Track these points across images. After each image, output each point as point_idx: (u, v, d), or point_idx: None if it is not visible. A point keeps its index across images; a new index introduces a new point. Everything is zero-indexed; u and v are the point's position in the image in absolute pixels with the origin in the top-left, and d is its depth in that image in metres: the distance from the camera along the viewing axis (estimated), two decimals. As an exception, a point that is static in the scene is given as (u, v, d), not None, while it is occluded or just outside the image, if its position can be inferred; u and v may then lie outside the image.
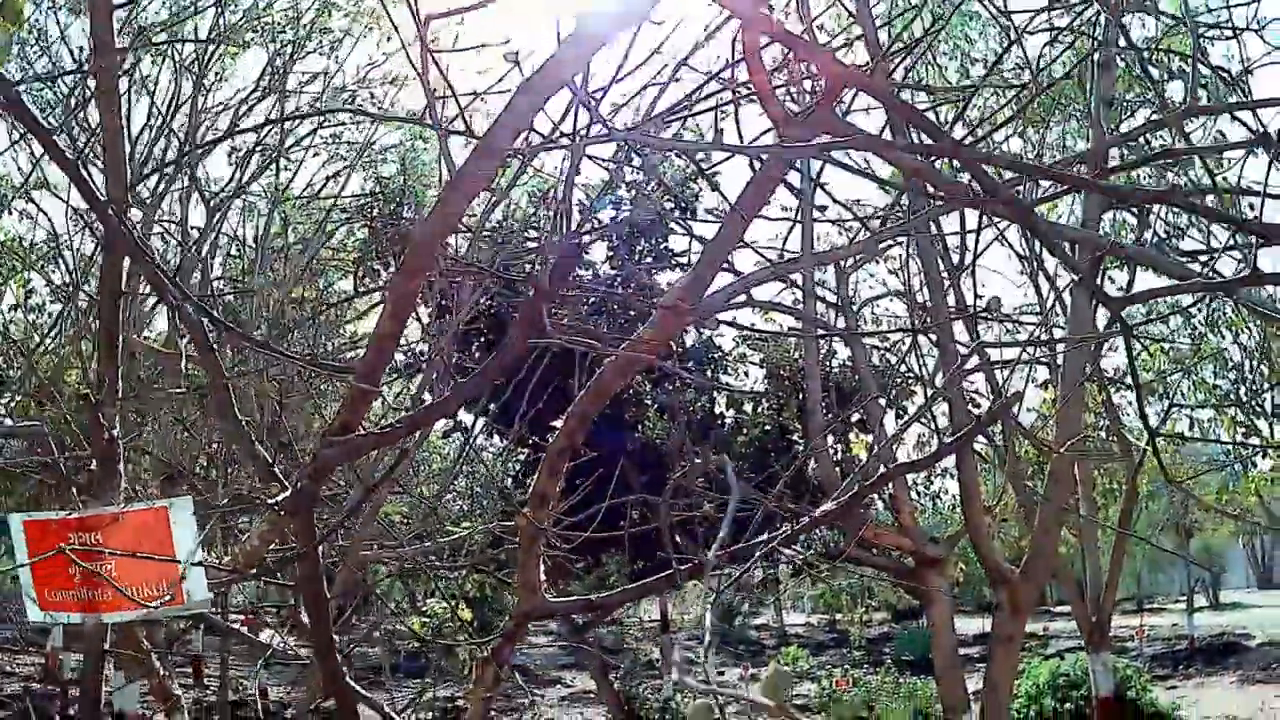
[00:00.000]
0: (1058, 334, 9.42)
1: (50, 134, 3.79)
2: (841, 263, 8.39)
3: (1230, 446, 12.33)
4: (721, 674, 23.45)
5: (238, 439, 3.66)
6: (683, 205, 15.75)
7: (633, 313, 16.14)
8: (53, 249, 11.38)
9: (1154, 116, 7.98)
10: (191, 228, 11.74)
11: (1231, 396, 12.57)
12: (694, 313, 3.43)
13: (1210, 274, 4.80)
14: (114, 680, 11.04)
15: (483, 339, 17.36)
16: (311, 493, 3.13)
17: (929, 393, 9.30)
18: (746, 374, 17.36)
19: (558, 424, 3.65)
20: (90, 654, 4.25)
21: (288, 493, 3.15)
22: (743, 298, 3.61)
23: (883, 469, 4.43)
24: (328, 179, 14.22)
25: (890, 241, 8.65)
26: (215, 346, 3.64)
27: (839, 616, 35.00)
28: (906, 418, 9.79)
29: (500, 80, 2.73)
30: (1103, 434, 12.16)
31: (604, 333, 7.41)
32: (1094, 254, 6.90)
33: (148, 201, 10.30)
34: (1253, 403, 12.77)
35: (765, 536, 3.65)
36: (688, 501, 4.68)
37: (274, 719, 16.71)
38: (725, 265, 4.15)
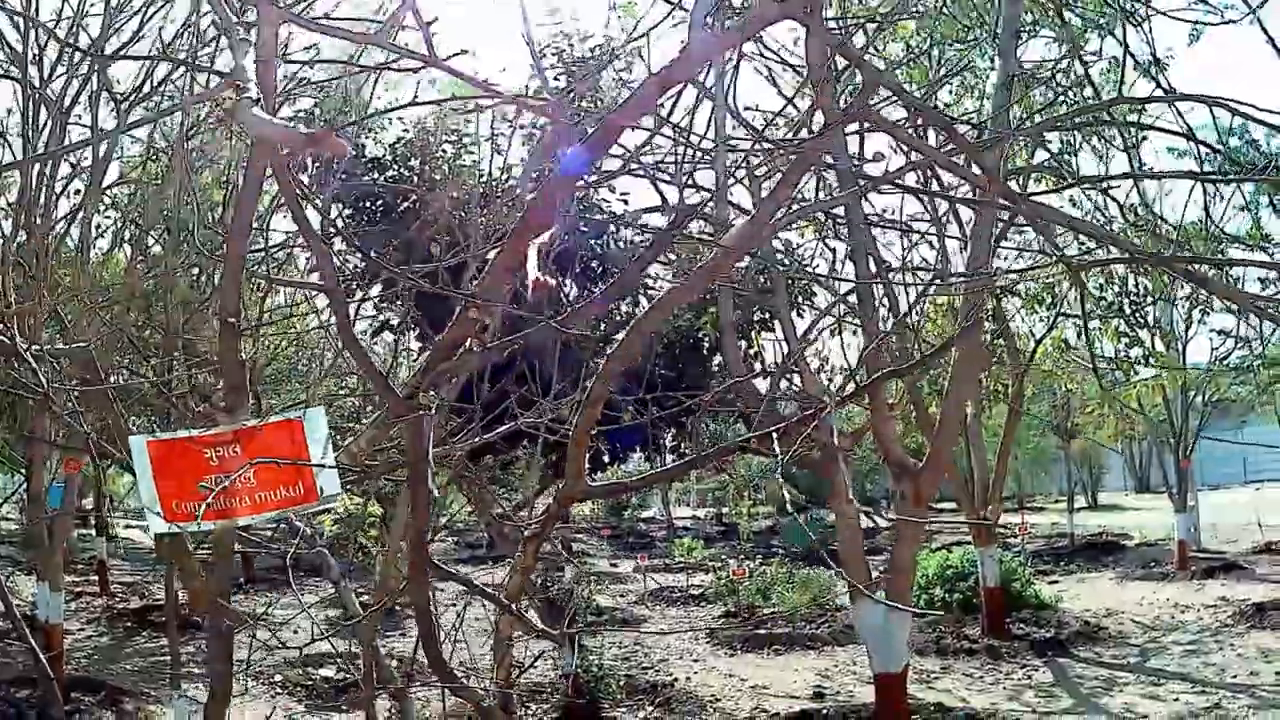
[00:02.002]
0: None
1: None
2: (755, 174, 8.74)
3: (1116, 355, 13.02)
4: (615, 564, 24.19)
5: (358, 356, 3.86)
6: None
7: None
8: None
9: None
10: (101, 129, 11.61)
11: (1114, 308, 13.26)
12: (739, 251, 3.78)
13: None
14: (39, 592, 11.22)
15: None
16: (423, 400, 3.37)
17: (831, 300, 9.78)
18: (657, 277, 17.75)
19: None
20: (220, 559, 4.37)
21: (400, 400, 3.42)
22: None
23: (839, 393, 4.77)
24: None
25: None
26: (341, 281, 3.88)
27: (725, 510, 36.10)
28: (812, 320, 10.22)
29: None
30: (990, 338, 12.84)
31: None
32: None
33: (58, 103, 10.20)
34: (1135, 314, 13.53)
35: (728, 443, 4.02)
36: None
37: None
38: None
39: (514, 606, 4.27)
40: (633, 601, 18.18)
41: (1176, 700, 9.75)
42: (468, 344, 3.38)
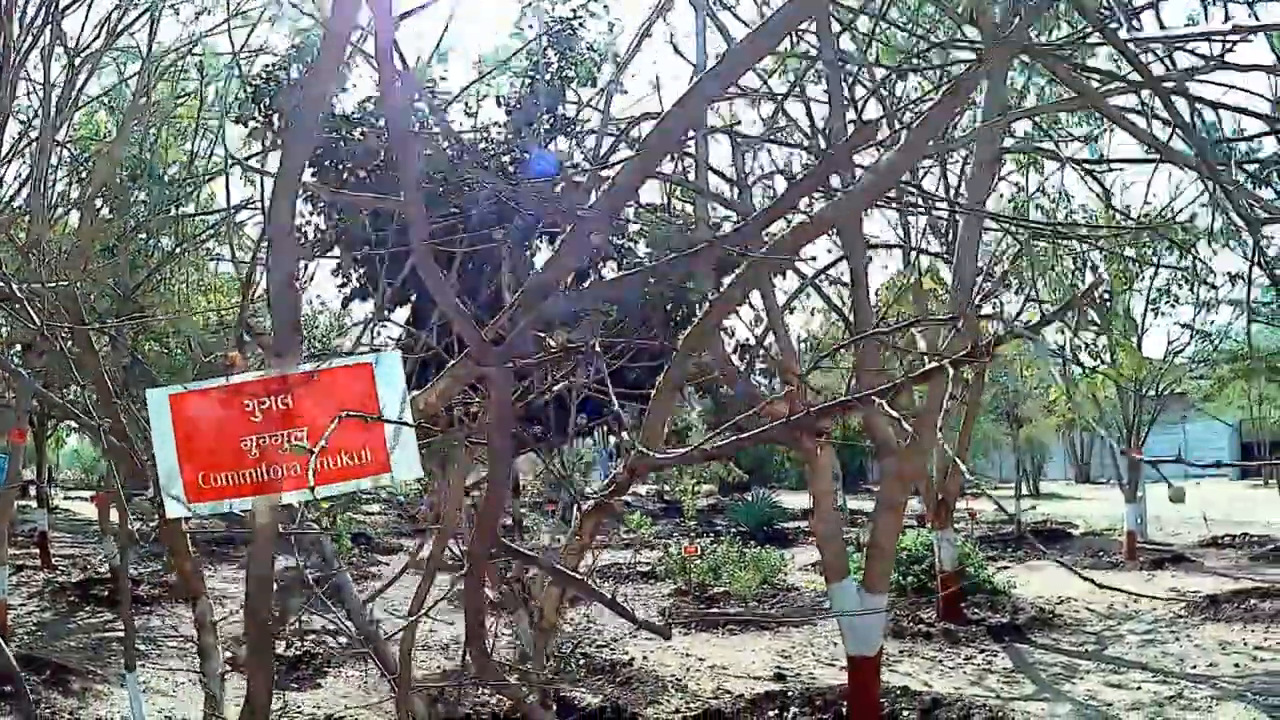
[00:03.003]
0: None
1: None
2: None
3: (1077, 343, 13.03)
4: (559, 540, 23.92)
5: (435, 283, 3.12)
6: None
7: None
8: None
9: None
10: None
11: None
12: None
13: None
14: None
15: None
16: (512, 348, 3.04)
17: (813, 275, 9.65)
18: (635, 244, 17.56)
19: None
20: (260, 547, 3.49)
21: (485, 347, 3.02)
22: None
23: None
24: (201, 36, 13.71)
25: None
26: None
27: (667, 487, 36.06)
28: (795, 289, 10.05)
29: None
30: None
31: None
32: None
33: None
34: (1104, 305, 13.55)
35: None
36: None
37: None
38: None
39: (611, 599, 3.81)
40: (581, 577, 17.98)
41: (1139, 689, 9.76)
42: (563, 285, 3.11)
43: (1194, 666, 10.46)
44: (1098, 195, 10.50)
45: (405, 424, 3.09)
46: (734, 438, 3.80)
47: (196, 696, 8.84)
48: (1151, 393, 18.57)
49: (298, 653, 10.95)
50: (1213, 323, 15.61)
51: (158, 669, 10.57)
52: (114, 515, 12.73)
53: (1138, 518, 18.82)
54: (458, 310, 3.01)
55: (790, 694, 9.74)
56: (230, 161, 7.75)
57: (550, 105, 15.21)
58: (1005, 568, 17.54)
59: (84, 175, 10.36)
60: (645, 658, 11.73)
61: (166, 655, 11.18)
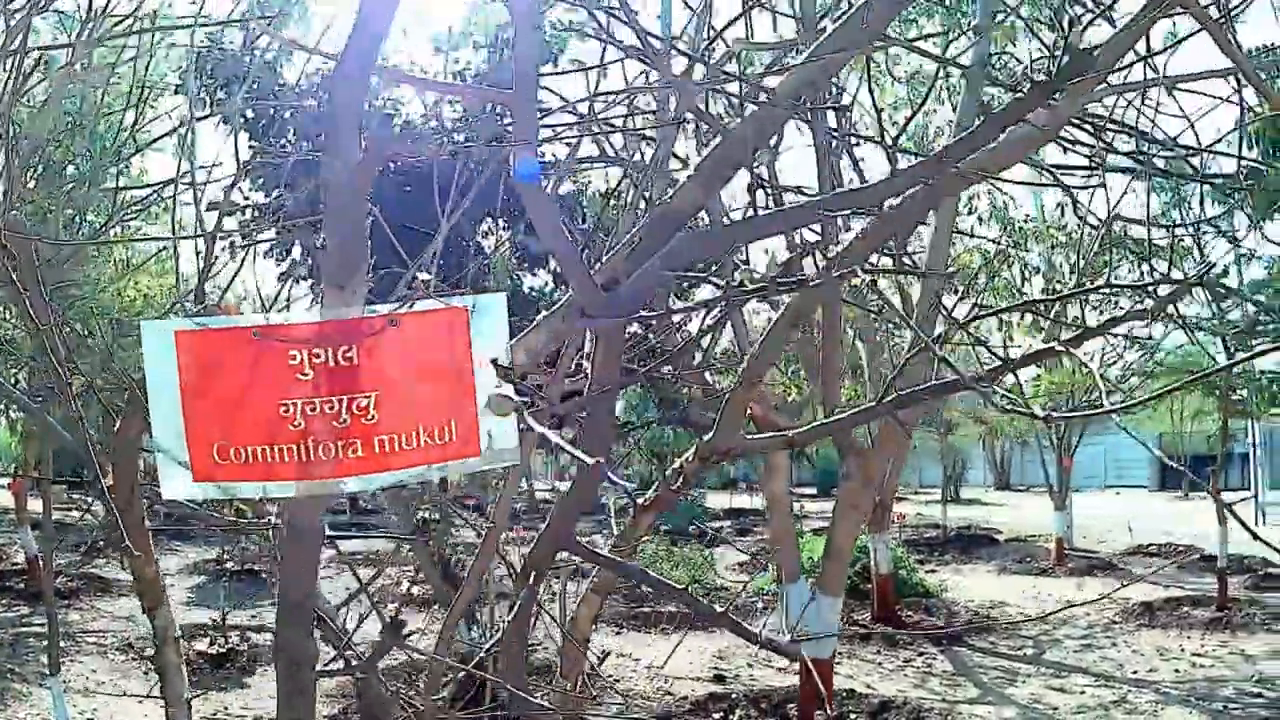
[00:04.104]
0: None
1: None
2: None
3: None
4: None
5: (547, 222, 2.59)
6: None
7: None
8: None
9: None
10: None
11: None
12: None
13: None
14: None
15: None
16: (632, 297, 2.53)
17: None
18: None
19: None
20: (302, 548, 2.72)
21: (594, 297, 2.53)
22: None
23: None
24: None
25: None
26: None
27: (592, 484, 35.57)
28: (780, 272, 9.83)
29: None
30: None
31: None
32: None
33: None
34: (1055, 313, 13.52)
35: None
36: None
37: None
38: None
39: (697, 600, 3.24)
40: (507, 575, 17.69)
41: (1083, 693, 9.73)
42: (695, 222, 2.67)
43: (1134, 671, 10.46)
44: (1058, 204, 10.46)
45: (511, 400, 2.38)
46: (821, 422, 3.53)
47: (120, 699, 8.49)
48: (1084, 401, 18.67)
49: (220, 650, 10.55)
50: (1150, 338, 15.69)
51: (79, 667, 10.09)
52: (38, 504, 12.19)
53: (1066, 525, 18.93)
54: (564, 241, 2.48)
55: (735, 696, 9.57)
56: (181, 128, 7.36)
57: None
58: (932, 571, 17.56)
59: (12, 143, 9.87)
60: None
61: (86, 652, 10.69)
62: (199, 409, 2.30)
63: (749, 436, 3.63)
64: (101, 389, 3.81)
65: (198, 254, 3.58)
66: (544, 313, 2.81)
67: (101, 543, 14.44)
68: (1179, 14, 3.51)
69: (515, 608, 3.12)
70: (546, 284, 21.10)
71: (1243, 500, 22.53)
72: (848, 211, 2.83)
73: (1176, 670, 10.44)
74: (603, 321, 2.58)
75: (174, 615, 3.36)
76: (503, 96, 2.56)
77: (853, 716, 8.99)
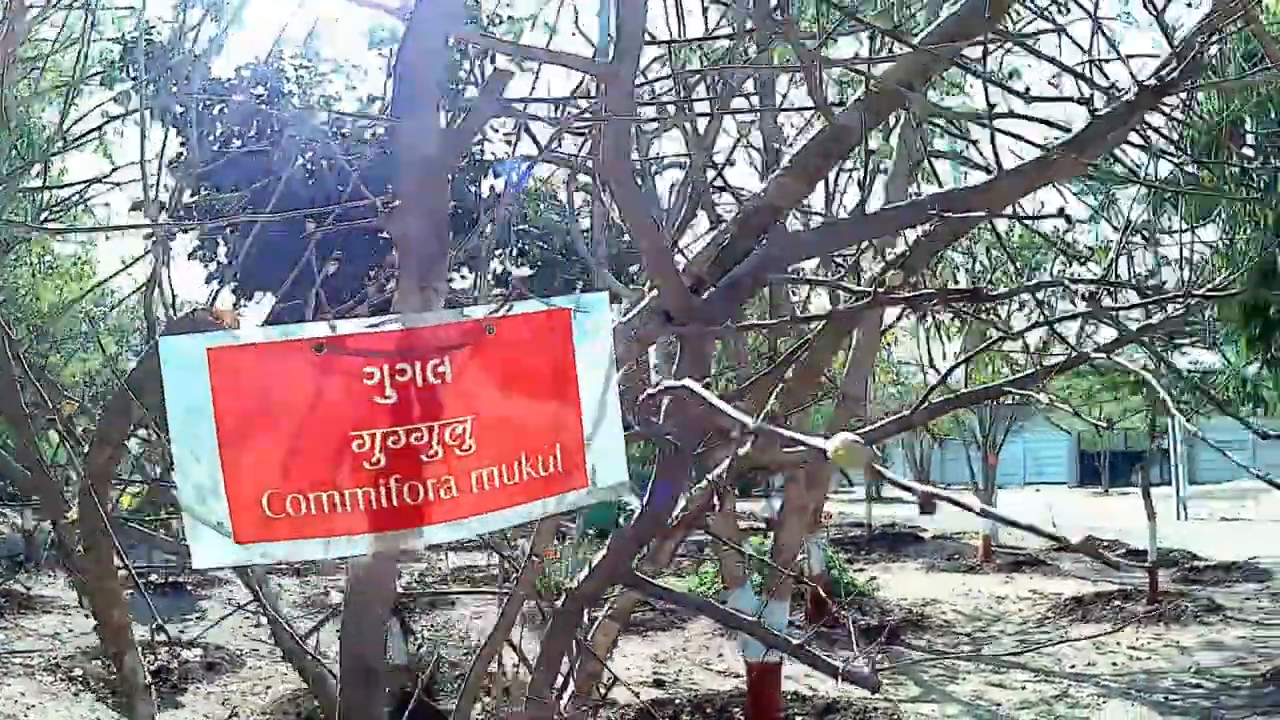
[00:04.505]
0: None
1: None
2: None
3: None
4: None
5: (636, 214, 2.41)
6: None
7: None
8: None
9: None
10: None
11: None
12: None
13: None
14: None
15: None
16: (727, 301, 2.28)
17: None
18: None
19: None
20: (370, 608, 2.37)
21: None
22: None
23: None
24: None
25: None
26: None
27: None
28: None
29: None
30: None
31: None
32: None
33: None
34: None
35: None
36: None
37: None
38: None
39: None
40: (437, 580, 17.42)
41: (1024, 689, 9.78)
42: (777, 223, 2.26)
43: (1073, 666, 10.53)
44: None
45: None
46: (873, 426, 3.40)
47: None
48: (1006, 401, 18.88)
49: (151, 668, 10.18)
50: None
51: (8, 690, 9.65)
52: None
53: (992, 522, 19.08)
54: (654, 235, 2.21)
55: (679, 701, 9.48)
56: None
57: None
58: (860, 570, 17.59)
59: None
60: (516, 666, 11.27)
61: (15, 674, 10.23)
62: (243, 449, 1.83)
63: (786, 450, 3.42)
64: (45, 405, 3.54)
65: (146, 254, 3.34)
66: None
67: (23, 558, 13.99)
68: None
69: (547, 639, 2.88)
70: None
71: (1165, 495, 22.90)
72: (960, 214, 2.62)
73: (1114, 664, 10.53)
74: (692, 330, 2.31)
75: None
76: (600, 69, 2.34)
77: (796, 716, 8.94)
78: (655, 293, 2.54)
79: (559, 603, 2.85)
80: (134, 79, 11.04)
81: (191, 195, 12.65)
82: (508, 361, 1.99)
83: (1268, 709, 8.52)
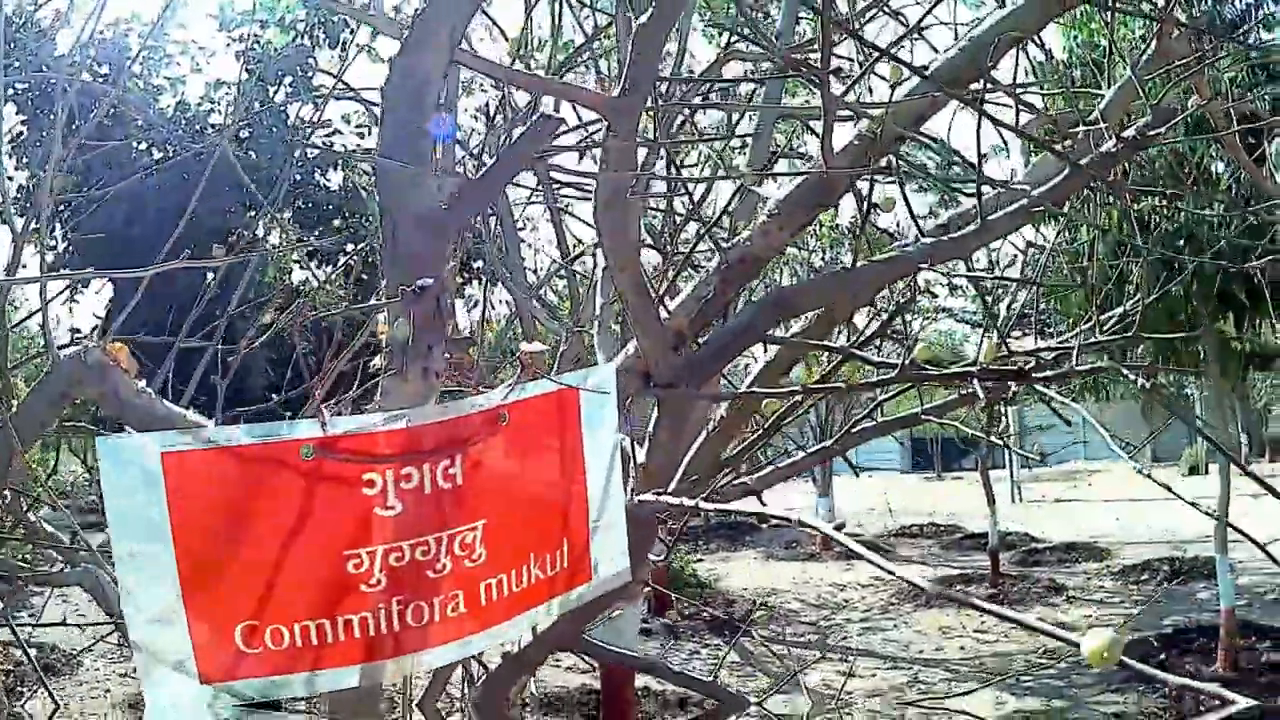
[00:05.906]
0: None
1: None
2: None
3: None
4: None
5: (633, 286, 2.21)
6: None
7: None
8: None
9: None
10: None
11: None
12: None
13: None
14: None
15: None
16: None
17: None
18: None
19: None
20: None
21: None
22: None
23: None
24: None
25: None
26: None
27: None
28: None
29: None
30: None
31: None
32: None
33: None
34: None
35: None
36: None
37: None
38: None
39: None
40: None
41: (874, 676, 9.71)
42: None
43: (921, 651, 10.53)
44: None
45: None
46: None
47: None
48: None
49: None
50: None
51: None
52: None
53: (829, 509, 19.16)
54: (638, 283, 1.87)
55: (526, 698, 9.10)
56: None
57: (294, 65, 14.08)
58: (699, 560, 17.46)
59: None
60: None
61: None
62: (210, 574, 1.46)
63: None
64: None
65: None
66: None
67: None
68: None
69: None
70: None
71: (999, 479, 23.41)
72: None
73: (962, 647, 10.55)
74: (674, 392, 2.05)
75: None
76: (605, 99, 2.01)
77: (653, 715, 8.69)
78: (633, 349, 2.31)
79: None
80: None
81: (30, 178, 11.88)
82: (519, 453, 1.70)
83: (1119, 685, 8.59)
